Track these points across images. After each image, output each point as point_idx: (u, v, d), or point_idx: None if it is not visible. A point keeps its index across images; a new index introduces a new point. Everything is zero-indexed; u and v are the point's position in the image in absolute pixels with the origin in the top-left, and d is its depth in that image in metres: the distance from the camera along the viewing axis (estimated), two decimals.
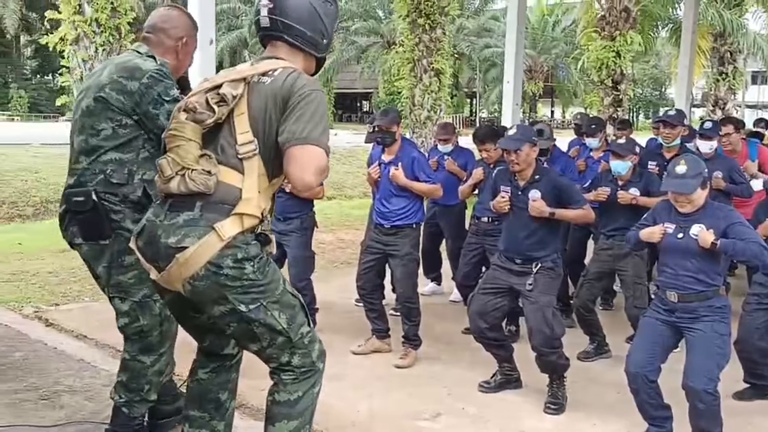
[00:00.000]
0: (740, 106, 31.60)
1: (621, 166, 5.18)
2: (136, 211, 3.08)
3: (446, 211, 6.61)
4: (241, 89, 2.50)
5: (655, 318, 3.87)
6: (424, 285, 6.95)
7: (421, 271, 6.87)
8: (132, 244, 2.63)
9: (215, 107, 2.48)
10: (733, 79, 17.97)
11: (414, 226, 5.17)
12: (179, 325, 2.84)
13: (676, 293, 3.76)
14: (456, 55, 31.50)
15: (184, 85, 3.35)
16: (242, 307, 2.49)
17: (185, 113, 2.52)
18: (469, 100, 53.66)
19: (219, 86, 2.51)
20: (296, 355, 2.60)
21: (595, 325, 5.35)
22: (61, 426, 3.54)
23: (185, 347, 3.22)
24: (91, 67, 10.17)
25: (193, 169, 2.45)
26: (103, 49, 10.19)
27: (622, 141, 5.48)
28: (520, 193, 4.48)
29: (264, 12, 2.61)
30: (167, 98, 3.04)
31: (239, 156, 2.49)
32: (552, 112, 56.71)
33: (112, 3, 10.06)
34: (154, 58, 3.19)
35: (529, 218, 4.40)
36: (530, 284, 4.31)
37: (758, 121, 9.66)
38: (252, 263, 2.49)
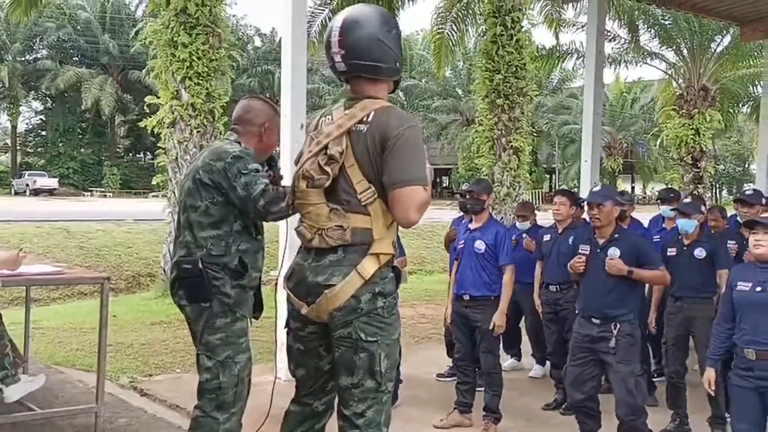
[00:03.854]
0: None
1: (688, 225, 5.25)
2: (234, 278, 3.47)
3: (524, 289, 6.69)
4: (344, 143, 2.75)
5: (739, 386, 3.88)
6: (504, 360, 7.02)
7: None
8: (282, 286, 2.94)
9: (328, 168, 2.74)
10: None
11: (494, 298, 5.25)
12: (296, 374, 3.05)
13: (754, 350, 3.79)
14: (535, 132, 31.66)
15: (272, 163, 3.78)
16: (361, 335, 2.73)
17: (304, 181, 2.80)
18: (548, 176, 53.56)
19: (326, 147, 2.75)
20: (372, 409, 2.77)
21: (682, 396, 5.32)
22: None
23: None
24: (186, 148, 10.82)
25: (327, 228, 2.74)
26: (198, 131, 10.82)
27: (688, 200, 5.55)
28: (599, 251, 4.65)
29: (338, 58, 2.80)
30: (245, 171, 3.41)
31: (362, 203, 2.75)
32: (632, 188, 55.90)
33: (207, 89, 10.74)
34: (240, 144, 3.61)
35: (607, 276, 4.54)
36: (612, 348, 4.43)
37: None
38: (384, 299, 2.76)
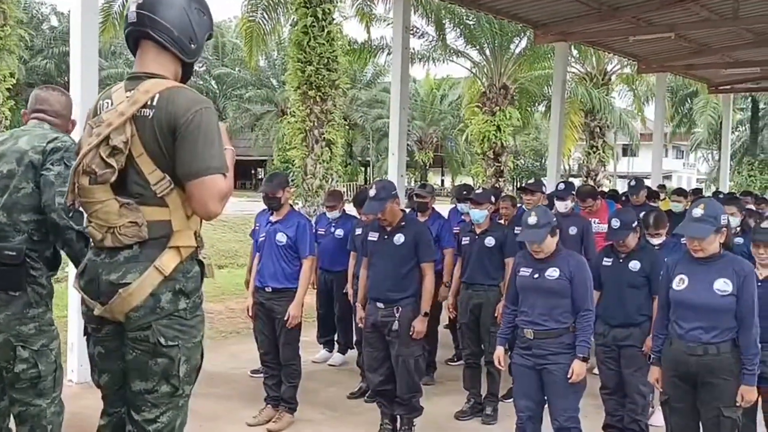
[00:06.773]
0: (612, 176, 33.52)
1: (479, 215, 5.54)
2: (49, 267, 3.44)
3: (335, 277, 6.74)
4: (129, 131, 2.48)
5: (519, 364, 4.18)
6: (317, 351, 7.06)
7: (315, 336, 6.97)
8: (74, 284, 2.69)
9: (112, 161, 2.47)
10: (603, 151, 19.22)
11: (295, 290, 5.20)
12: (100, 382, 2.75)
13: (532, 330, 4.09)
14: (349, 125, 31.94)
15: None
16: (161, 339, 2.52)
17: (86, 177, 2.50)
18: (363, 169, 54.49)
19: (107, 137, 2.47)
20: (166, 414, 2.59)
21: (477, 378, 5.59)
22: None
23: None
24: None
25: (119, 225, 2.49)
26: None
27: (480, 191, 5.87)
28: (386, 238, 4.85)
29: (133, 7, 2.56)
30: (68, 164, 3.26)
31: (158, 195, 2.51)
32: (442, 180, 58.34)
33: None
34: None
35: (390, 262, 4.78)
36: (395, 331, 4.70)
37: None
38: (187, 300, 2.56)
